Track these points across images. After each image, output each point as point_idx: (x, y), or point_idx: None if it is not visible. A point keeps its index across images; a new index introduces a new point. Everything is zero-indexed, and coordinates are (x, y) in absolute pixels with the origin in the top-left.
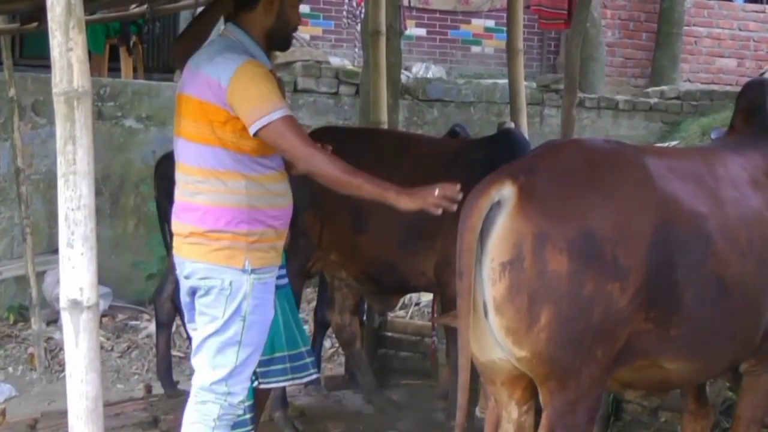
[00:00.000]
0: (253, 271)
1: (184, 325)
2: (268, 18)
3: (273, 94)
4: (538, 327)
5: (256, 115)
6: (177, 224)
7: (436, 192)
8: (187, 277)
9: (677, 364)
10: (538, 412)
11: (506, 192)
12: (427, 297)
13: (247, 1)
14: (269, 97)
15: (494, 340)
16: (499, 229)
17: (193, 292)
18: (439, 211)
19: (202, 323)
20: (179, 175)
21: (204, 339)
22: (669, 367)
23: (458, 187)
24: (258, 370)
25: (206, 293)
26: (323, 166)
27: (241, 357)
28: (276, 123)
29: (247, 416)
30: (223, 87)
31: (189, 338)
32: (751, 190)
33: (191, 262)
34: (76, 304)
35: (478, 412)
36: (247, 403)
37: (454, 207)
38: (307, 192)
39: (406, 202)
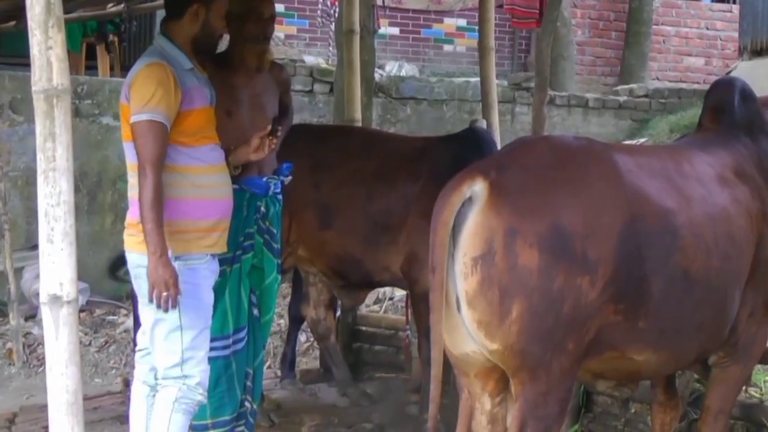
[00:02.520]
0: (177, 258)
1: None
2: (194, 26)
3: (154, 97)
4: (510, 320)
5: (133, 110)
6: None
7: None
8: (129, 267)
9: (645, 356)
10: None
11: (478, 188)
12: (400, 292)
13: (174, 12)
14: (148, 98)
15: (467, 334)
16: (470, 225)
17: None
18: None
19: (142, 309)
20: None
21: (152, 328)
22: (637, 358)
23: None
24: None
25: (139, 279)
26: (144, 188)
27: (186, 340)
28: (140, 124)
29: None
30: (129, 86)
31: None
32: (718, 187)
33: (128, 252)
34: (56, 299)
35: None
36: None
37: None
38: None
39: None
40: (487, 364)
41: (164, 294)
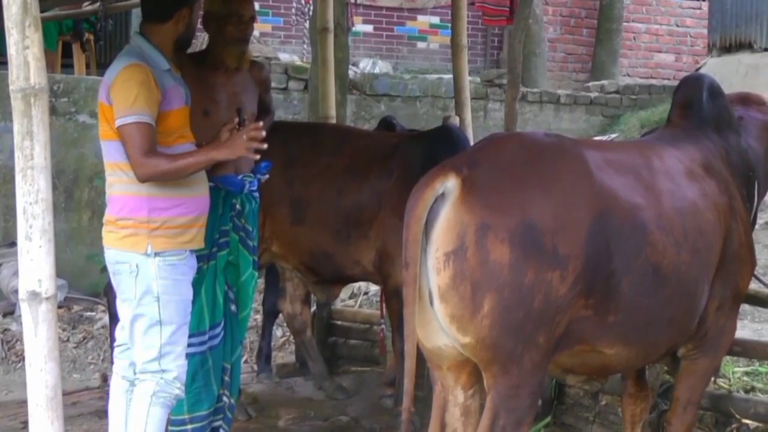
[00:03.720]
0: (157, 255)
1: None
2: (179, 28)
3: (137, 99)
4: (482, 314)
5: (118, 114)
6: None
7: (245, 137)
8: (108, 263)
9: (615, 350)
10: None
11: (450, 184)
12: (375, 287)
13: (161, 15)
14: (132, 100)
15: (439, 327)
16: (443, 220)
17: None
18: (252, 153)
19: (121, 305)
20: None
21: (131, 323)
22: (608, 352)
23: (261, 125)
24: None
25: (118, 276)
26: (154, 169)
27: (165, 335)
28: (128, 126)
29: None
30: (108, 86)
31: None
32: (686, 182)
33: (107, 249)
34: (35, 296)
35: None
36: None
37: (264, 145)
38: None
39: (225, 153)
40: (460, 357)
41: (252, 144)
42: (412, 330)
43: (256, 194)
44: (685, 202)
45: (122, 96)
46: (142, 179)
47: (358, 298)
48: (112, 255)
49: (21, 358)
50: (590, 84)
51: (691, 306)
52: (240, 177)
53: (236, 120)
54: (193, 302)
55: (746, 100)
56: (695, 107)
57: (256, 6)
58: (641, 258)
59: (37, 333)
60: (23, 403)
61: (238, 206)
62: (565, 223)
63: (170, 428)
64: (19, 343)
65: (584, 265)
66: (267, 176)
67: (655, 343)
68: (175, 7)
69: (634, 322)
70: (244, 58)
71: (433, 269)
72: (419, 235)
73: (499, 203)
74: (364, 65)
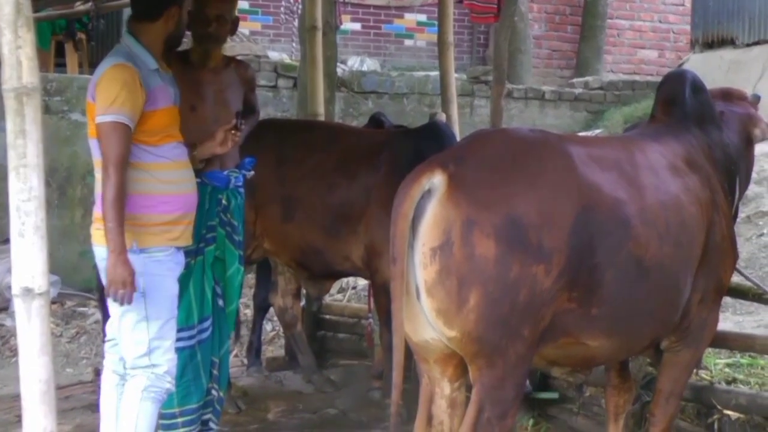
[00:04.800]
0: (142, 251)
1: None
2: (169, 27)
3: (119, 98)
4: (467, 308)
5: (98, 111)
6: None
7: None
8: (97, 260)
9: (599, 342)
10: (468, 388)
11: (436, 180)
12: (363, 281)
13: (150, 14)
14: (112, 99)
15: (426, 321)
16: (429, 216)
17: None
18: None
19: (110, 301)
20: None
21: (119, 320)
22: (591, 344)
23: (234, 121)
24: None
25: (105, 272)
26: (107, 187)
27: (152, 330)
28: (105, 125)
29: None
30: (95, 85)
31: None
32: (669, 176)
33: (95, 246)
34: (28, 291)
35: None
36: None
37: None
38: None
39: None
40: (446, 350)
41: (120, 291)
42: (400, 324)
43: (242, 190)
44: (668, 196)
45: (104, 95)
46: (101, 180)
47: (347, 293)
48: (100, 251)
49: (15, 352)
50: (575, 80)
51: (674, 299)
52: (226, 173)
53: (233, 122)
54: (182, 297)
55: (728, 95)
56: (678, 103)
57: (246, 5)
58: (624, 252)
59: (31, 328)
60: (17, 397)
61: (224, 201)
62: (550, 217)
63: (161, 422)
64: (13, 338)
65: (568, 259)
66: (252, 172)
67: (638, 335)
68: (164, 5)
69: (618, 315)
70: (212, 56)
71: (420, 264)
72: (406, 231)
73: (485, 199)
74: (352, 63)
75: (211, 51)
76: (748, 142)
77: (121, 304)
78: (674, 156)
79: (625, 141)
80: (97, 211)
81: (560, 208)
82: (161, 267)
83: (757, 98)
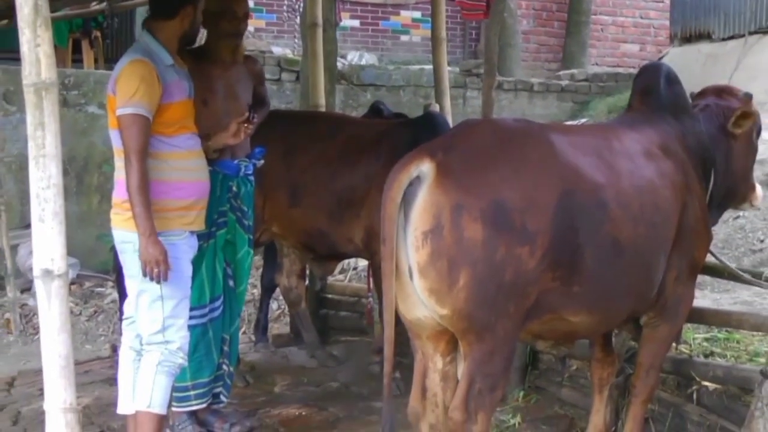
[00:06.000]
0: (159, 234)
1: None
2: (184, 25)
3: (138, 91)
4: (458, 288)
5: (118, 104)
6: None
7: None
8: (115, 242)
9: (580, 317)
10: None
11: (425, 168)
12: (363, 262)
13: (166, 12)
14: (132, 93)
15: (419, 300)
16: (420, 202)
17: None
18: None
19: (128, 281)
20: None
21: (136, 299)
22: (573, 319)
23: (246, 114)
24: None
25: (124, 254)
26: (131, 175)
27: (167, 309)
28: (126, 117)
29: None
30: (115, 80)
31: None
32: (644, 162)
33: (114, 230)
34: (48, 273)
35: None
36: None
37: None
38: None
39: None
40: (438, 327)
41: (155, 270)
42: (390, 301)
43: (252, 177)
44: (643, 180)
45: (124, 89)
46: (120, 167)
47: (348, 273)
48: (118, 235)
49: (38, 330)
50: (561, 73)
51: (649, 276)
52: (236, 162)
53: (246, 114)
54: (195, 278)
55: (720, 91)
56: (654, 93)
57: (251, 3)
58: (602, 233)
59: (51, 308)
60: (40, 372)
61: (234, 188)
62: (533, 202)
63: (175, 394)
64: (36, 316)
65: (551, 240)
66: (262, 161)
67: (616, 310)
68: (179, 4)
69: (597, 292)
70: (238, 52)
71: (413, 247)
72: (394, 214)
73: (472, 185)
74: (352, 57)
75: (239, 46)
76: (732, 135)
77: (158, 282)
78: (649, 142)
79: (603, 129)
80: (116, 197)
81: (543, 192)
82: (176, 250)
83: (748, 96)
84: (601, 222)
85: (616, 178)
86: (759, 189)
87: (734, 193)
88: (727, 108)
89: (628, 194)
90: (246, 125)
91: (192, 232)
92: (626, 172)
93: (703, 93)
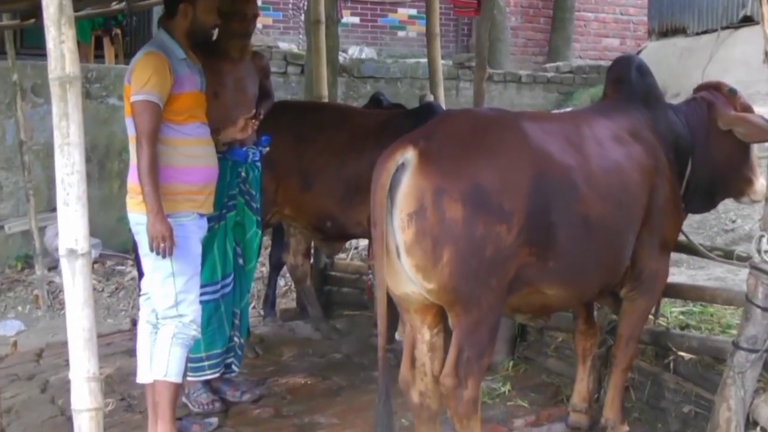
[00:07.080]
0: (168, 216)
1: None
2: (185, 22)
3: (150, 80)
4: (442, 264)
5: (133, 91)
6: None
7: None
8: (131, 224)
9: (555, 290)
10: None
11: (409, 155)
12: (364, 242)
13: (169, 11)
14: (145, 81)
15: (407, 277)
16: (404, 186)
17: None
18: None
19: (143, 260)
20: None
21: (150, 276)
22: (549, 292)
23: (253, 111)
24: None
25: (138, 235)
26: (141, 157)
27: (179, 285)
28: (138, 103)
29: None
30: (130, 70)
31: None
32: (613, 146)
33: (129, 213)
34: (72, 253)
35: (397, 336)
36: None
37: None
38: (265, 158)
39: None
40: (425, 301)
41: (161, 245)
42: (382, 279)
43: (259, 164)
44: (611, 162)
45: (138, 78)
46: (137, 150)
47: (350, 252)
48: (133, 217)
49: (64, 306)
50: (547, 65)
51: (618, 252)
52: (245, 149)
53: (253, 111)
54: (207, 257)
55: (707, 87)
56: (625, 83)
57: (259, 2)
58: (573, 211)
59: (75, 284)
60: (66, 344)
61: (243, 174)
62: (509, 183)
63: (190, 365)
64: (62, 293)
65: (526, 218)
66: (268, 149)
67: (588, 283)
68: (176, 2)
69: (570, 267)
70: (246, 50)
71: (399, 228)
72: (384, 200)
73: (452, 169)
74: (352, 52)
75: (247, 44)
76: (716, 129)
77: (164, 256)
78: (619, 128)
79: (575, 116)
80: (131, 181)
81: (517, 174)
82: (185, 230)
83: (732, 92)
84: (571, 201)
85: (585, 160)
86: (760, 184)
87: (724, 184)
88: (710, 102)
89: (596, 175)
90: (253, 121)
91: (201, 215)
92: (595, 155)
93: (699, 88)
